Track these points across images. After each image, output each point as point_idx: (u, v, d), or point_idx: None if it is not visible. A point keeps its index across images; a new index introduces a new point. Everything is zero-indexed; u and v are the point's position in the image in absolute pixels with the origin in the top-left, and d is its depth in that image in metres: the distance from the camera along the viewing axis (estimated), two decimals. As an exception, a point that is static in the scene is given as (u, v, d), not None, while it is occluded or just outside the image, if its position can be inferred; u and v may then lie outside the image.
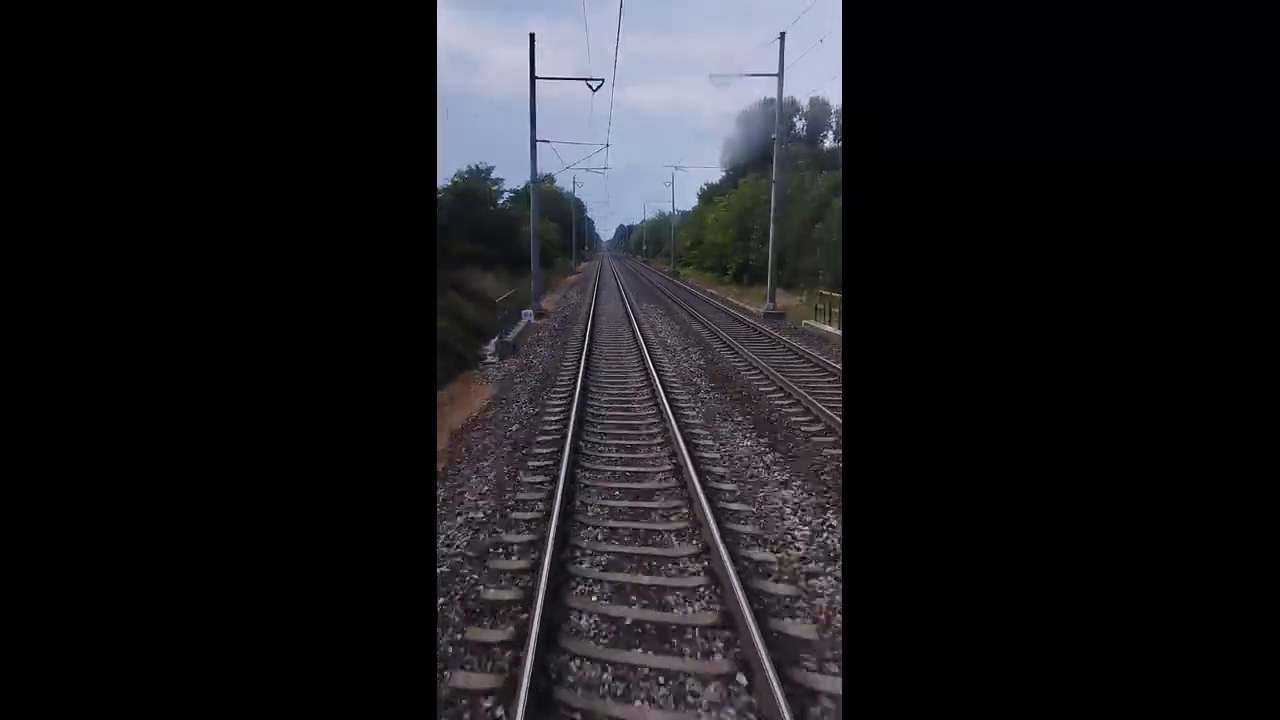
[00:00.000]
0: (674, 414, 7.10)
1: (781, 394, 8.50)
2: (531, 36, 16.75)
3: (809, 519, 4.76)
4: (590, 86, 16.45)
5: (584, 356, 10.73)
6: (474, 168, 28.15)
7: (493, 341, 12.27)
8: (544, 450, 6.27)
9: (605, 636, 3.38)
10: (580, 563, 4.15)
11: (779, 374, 9.32)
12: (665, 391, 8.18)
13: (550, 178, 40.41)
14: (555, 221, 38.67)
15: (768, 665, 2.89)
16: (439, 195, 21.29)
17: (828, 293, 16.00)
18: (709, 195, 44.75)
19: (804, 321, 16.19)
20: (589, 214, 79.54)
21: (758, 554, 4.22)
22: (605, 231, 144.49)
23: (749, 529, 4.60)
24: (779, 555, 4.22)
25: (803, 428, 7.01)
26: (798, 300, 19.79)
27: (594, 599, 3.73)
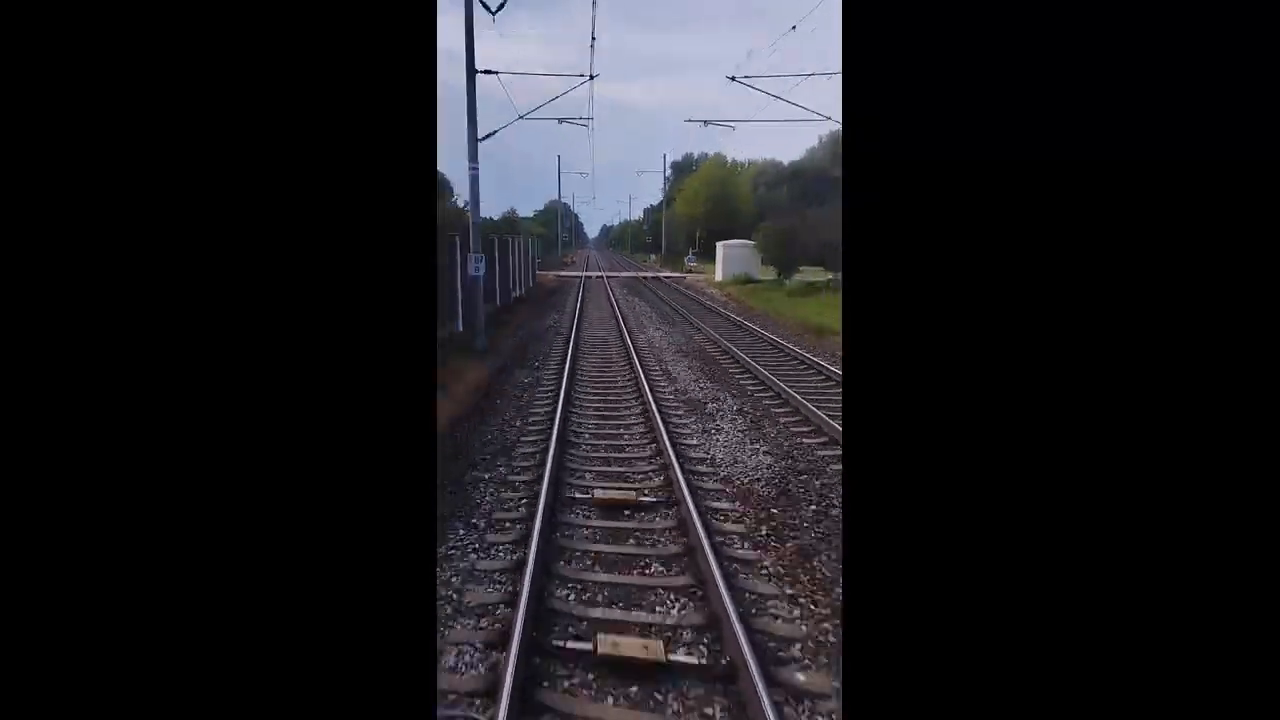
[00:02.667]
0: (602, 261, 53.92)
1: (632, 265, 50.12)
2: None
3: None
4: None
5: (588, 263, 52.28)
6: (548, 206, 68.16)
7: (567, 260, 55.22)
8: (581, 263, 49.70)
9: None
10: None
11: (634, 264, 51.42)
12: (604, 263, 52.01)
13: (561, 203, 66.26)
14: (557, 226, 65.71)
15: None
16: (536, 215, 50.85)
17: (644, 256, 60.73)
18: (650, 210, 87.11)
19: (640, 258, 60.46)
20: (578, 216, 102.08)
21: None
22: (591, 230, 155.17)
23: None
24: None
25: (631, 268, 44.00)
26: (654, 258, 62.21)
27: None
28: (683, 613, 3.66)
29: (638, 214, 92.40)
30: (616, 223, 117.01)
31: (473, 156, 12.12)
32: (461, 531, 4.62)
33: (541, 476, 5.34)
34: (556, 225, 37.74)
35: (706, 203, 47.05)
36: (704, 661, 3.21)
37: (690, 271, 37.98)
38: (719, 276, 30.20)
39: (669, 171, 75.81)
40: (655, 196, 70.36)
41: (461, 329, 12.46)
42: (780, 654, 3.30)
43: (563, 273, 37.23)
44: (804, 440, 6.74)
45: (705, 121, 28.76)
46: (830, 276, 24.57)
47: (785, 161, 53.73)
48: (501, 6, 12.05)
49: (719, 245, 31.55)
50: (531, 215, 50.15)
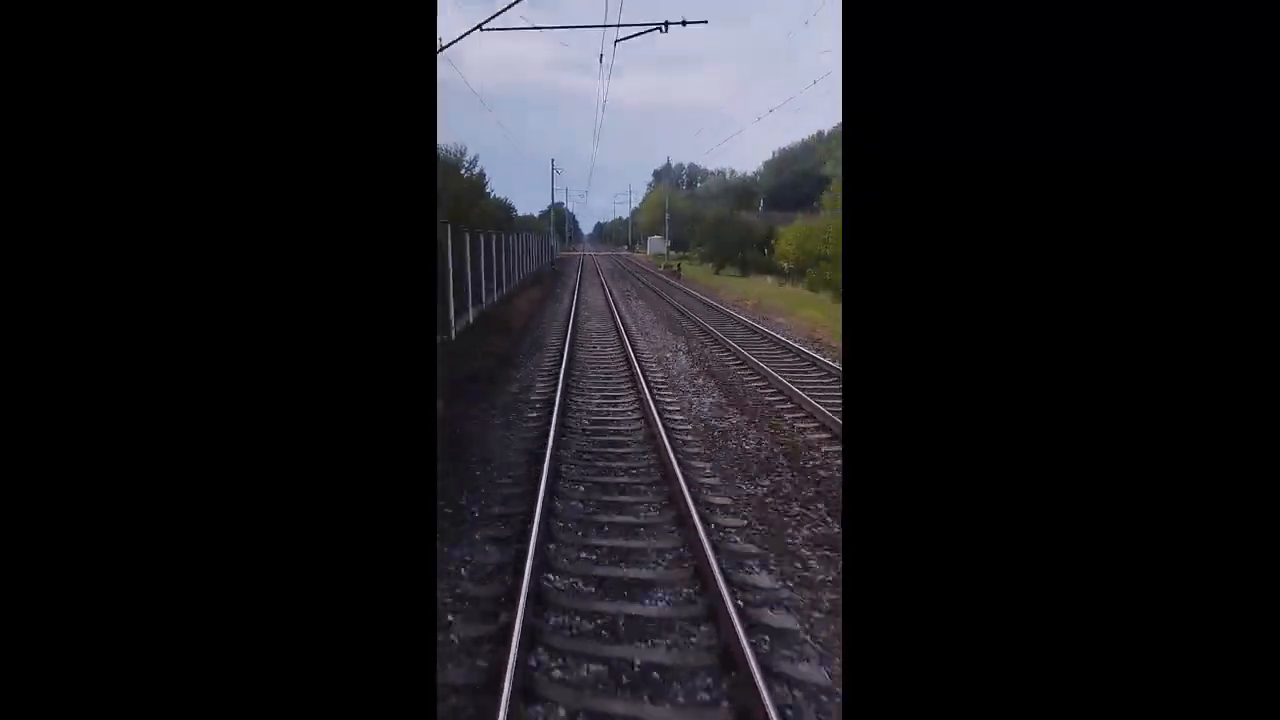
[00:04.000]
0: (591, 249, 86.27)
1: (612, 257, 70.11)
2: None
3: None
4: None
5: (584, 250, 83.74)
6: (553, 209, 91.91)
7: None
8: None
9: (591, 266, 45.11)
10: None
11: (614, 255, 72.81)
12: (593, 250, 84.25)
13: (561, 205, 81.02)
14: (559, 224, 75.52)
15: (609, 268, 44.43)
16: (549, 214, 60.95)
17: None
18: (625, 219, 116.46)
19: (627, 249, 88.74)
20: (574, 214, 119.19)
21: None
22: (586, 227, 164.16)
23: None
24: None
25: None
26: (624, 248, 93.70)
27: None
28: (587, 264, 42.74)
29: (624, 212, 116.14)
30: (608, 220, 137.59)
31: (551, 215, 45.10)
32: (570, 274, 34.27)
33: (581, 273, 34.42)
34: (564, 226, 69.24)
35: (656, 212, 78.09)
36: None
37: (635, 253, 69.65)
38: (647, 254, 61.29)
39: (651, 178, 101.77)
40: (640, 196, 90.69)
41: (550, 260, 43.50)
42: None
43: (572, 253, 70.45)
44: (623, 268, 42.07)
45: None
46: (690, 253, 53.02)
47: (741, 172, 76.69)
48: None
49: (646, 238, 62.59)
50: (537, 215, 64.12)
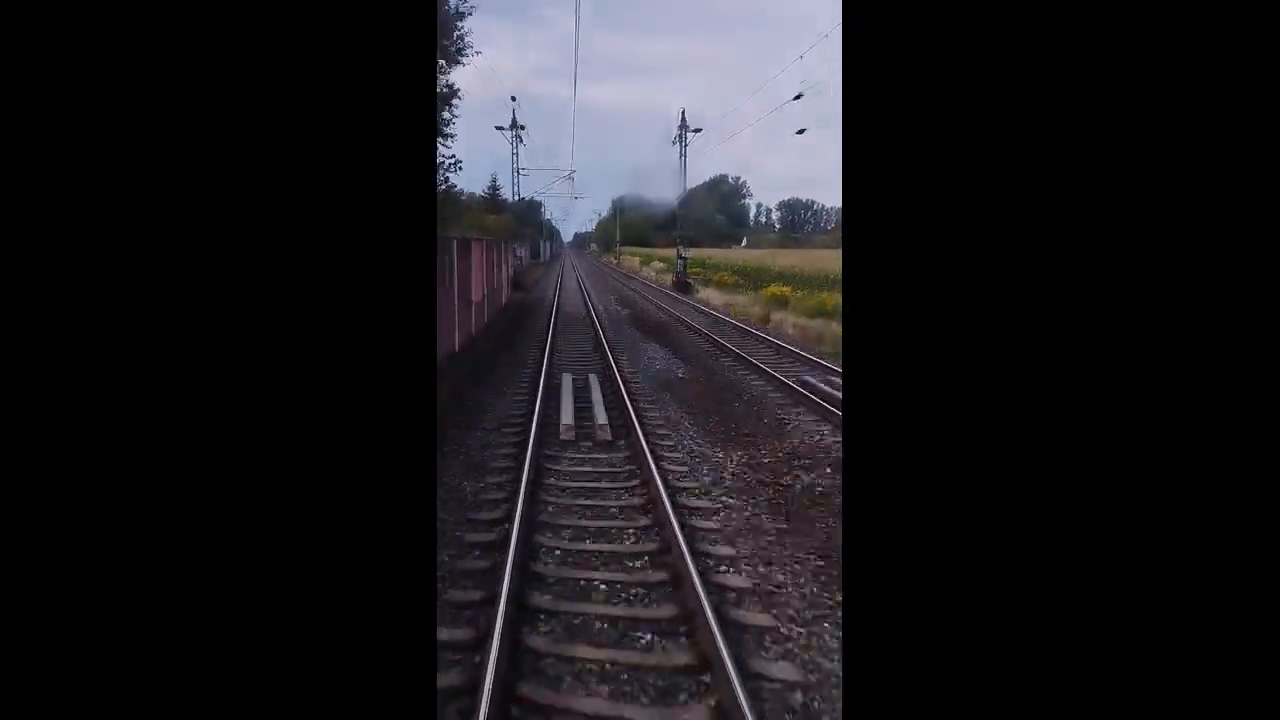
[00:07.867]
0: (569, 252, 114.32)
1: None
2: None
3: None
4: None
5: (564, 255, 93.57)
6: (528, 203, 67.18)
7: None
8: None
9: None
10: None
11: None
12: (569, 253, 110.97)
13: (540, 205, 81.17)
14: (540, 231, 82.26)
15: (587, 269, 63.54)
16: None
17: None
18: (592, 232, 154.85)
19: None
20: (555, 223, 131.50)
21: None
22: (566, 235, 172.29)
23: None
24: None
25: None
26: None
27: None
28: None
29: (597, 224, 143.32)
30: (584, 229, 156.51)
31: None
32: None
33: (562, 260, 71.80)
34: (544, 234, 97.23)
35: (609, 230, 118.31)
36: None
37: (593, 253, 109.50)
38: (590, 250, 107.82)
39: (610, 207, 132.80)
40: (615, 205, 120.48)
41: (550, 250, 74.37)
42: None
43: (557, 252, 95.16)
44: (580, 256, 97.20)
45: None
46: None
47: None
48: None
49: (592, 244, 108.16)
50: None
